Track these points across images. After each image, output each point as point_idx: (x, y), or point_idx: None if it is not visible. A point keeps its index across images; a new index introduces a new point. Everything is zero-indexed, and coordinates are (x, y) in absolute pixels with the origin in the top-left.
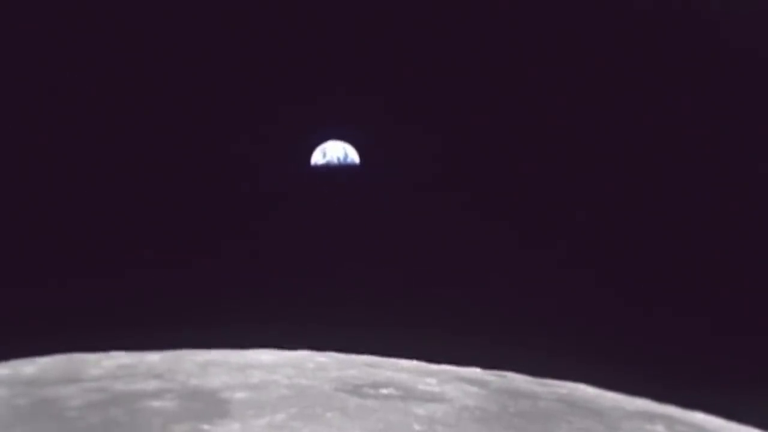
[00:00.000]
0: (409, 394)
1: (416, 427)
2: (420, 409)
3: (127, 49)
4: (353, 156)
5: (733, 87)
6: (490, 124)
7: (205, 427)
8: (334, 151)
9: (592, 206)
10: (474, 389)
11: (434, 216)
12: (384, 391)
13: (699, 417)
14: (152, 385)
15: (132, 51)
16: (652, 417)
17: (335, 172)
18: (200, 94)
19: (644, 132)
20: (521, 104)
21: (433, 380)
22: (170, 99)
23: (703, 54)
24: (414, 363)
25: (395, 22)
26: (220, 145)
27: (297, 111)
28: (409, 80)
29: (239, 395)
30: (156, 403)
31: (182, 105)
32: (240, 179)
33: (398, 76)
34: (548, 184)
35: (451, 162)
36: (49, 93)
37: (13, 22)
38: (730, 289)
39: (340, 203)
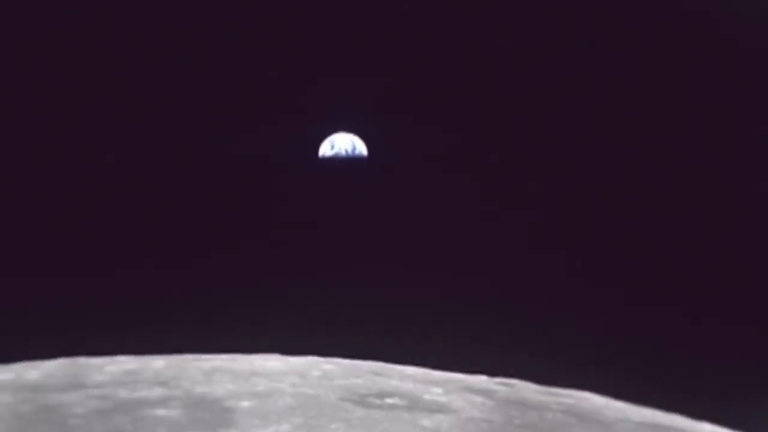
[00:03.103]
0: (414, 405)
1: None
2: (426, 420)
3: (131, 35)
4: (361, 148)
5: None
6: (501, 117)
7: None
8: (343, 143)
9: (601, 211)
10: (480, 399)
11: (442, 214)
12: (389, 401)
13: (708, 428)
14: (157, 392)
15: (135, 38)
16: (659, 429)
17: (343, 164)
18: (204, 86)
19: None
20: (534, 97)
21: (439, 390)
22: (174, 91)
23: (708, 56)
24: (420, 370)
25: (405, 12)
26: (224, 140)
27: (305, 102)
28: (419, 72)
29: (244, 404)
30: (160, 412)
31: (186, 97)
32: (245, 174)
33: (409, 68)
34: (560, 186)
35: (461, 157)
36: (54, 91)
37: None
38: (739, 297)
39: (348, 197)
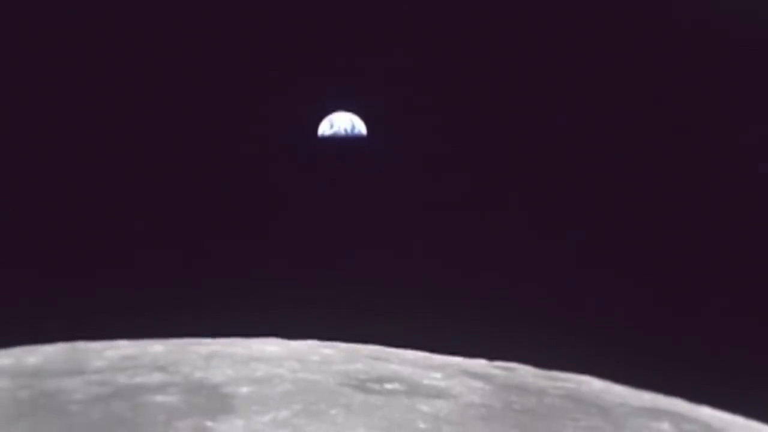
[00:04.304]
0: (414, 390)
1: (421, 425)
2: (425, 406)
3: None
4: (360, 127)
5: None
6: (503, 98)
7: (209, 423)
8: (342, 122)
9: (603, 198)
10: (479, 384)
11: (442, 195)
12: (389, 386)
13: (706, 412)
14: (156, 378)
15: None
16: (658, 413)
17: (342, 143)
18: (203, 67)
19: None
20: (537, 93)
21: (438, 374)
22: (173, 72)
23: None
24: (420, 354)
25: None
26: (222, 120)
27: (304, 81)
28: (418, 51)
29: (243, 390)
30: (159, 398)
31: (185, 77)
32: (244, 159)
33: (407, 47)
34: (561, 175)
35: (462, 137)
36: (52, 89)
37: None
38: (737, 282)
39: (347, 176)
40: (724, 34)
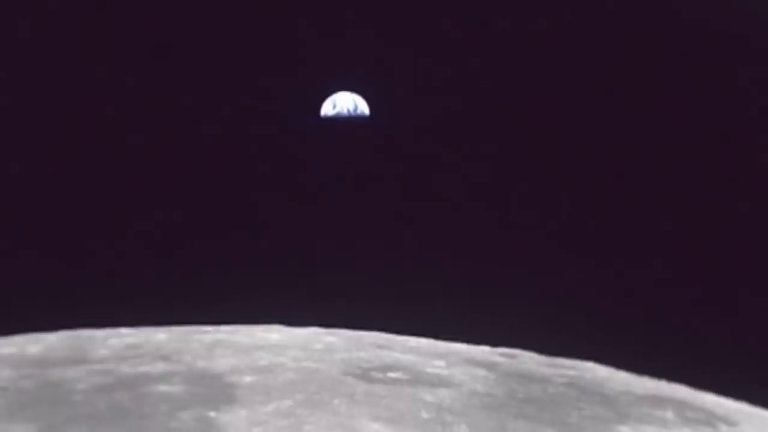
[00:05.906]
0: (417, 378)
1: (424, 414)
2: (428, 395)
3: None
4: (363, 107)
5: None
6: (505, 78)
7: (212, 414)
8: (344, 103)
9: (602, 186)
10: (483, 372)
11: (446, 185)
12: (392, 374)
13: (709, 399)
14: (159, 367)
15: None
16: (662, 402)
17: (345, 123)
18: (206, 48)
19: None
20: (536, 76)
21: (441, 362)
22: (176, 54)
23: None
24: (423, 341)
25: None
26: (224, 104)
27: (307, 61)
28: (422, 32)
29: (246, 379)
30: (162, 387)
31: (183, 72)
32: (245, 142)
33: (412, 28)
34: (561, 161)
35: (465, 120)
36: (50, 85)
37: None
38: (741, 269)
39: (350, 158)
40: (724, 34)
